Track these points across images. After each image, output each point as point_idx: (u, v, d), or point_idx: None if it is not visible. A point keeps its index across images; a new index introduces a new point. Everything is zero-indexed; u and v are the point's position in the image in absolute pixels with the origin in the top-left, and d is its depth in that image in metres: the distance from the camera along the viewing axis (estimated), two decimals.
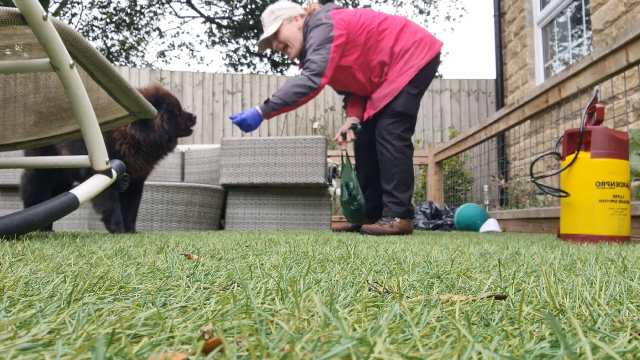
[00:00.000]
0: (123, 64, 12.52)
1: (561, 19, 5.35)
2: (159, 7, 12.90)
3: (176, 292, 0.61)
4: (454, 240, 2.08)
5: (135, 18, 12.67)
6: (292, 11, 3.03)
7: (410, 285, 0.72)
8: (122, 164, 1.96)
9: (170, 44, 15.12)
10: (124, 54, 12.65)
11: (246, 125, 2.82)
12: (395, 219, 2.83)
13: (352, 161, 3.63)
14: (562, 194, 2.17)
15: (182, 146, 5.21)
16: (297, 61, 3.13)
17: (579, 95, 2.86)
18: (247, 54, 13.17)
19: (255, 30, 12.42)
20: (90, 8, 13.47)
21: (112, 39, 12.69)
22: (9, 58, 1.72)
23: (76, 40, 1.63)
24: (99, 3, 12.29)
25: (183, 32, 23.91)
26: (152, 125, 2.48)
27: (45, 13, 1.44)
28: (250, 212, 4.03)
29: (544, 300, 0.59)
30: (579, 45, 5.04)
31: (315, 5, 3.07)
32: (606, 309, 0.54)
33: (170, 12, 13.83)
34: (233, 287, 0.67)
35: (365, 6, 12.33)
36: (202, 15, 13.08)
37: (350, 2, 12.15)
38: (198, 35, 23.29)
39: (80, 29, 12.39)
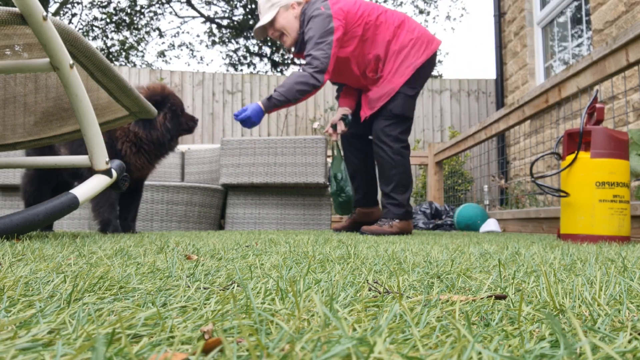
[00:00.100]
0: (123, 64, 12.53)
1: (561, 19, 5.35)
2: (159, 7, 12.91)
3: (176, 292, 0.61)
4: (454, 240, 2.08)
5: (135, 18, 12.67)
6: None
7: (410, 285, 0.72)
8: (122, 164, 1.96)
9: (170, 44, 15.12)
10: (124, 54, 12.65)
11: (250, 122, 2.80)
12: (395, 220, 2.83)
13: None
14: (562, 194, 2.17)
15: (182, 146, 5.21)
16: (292, 49, 3.07)
17: (579, 95, 2.86)
18: (247, 54, 13.17)
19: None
20: (90, 8, 13.48)
21: (112, 39, 12.69)
22: (9, 58, 1.72)
23: (76, 40, 1.63)
24: (99, 3, 12.29)
25: (183, 32, 23.92)
26: (155, 123, 2.49)
27: (45, 13, 1.44)
28: (250, 212, 4.03)
29: (544, 300, 0.59)
30: (579, 45, 5.04)
31: None
32: (606, 309, 0.54)
33: (170, 12, 13.83)
34: (233, 287, 0.67)
35: None
36: (202, 15, 13.08)
37: None
38: (198, 35, 23.29)
39: (80, 29, 12.39)
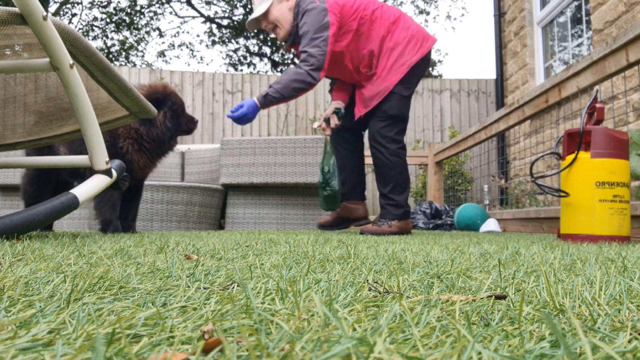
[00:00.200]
0: (123, 64, 12.52)
1: (561, 19, 5.35)
2: (159, 7, 12.91)
3: (176, 292, 0.61)
4: (454, 240, 2.08)
5: (135, 18, 12.67)
6: None
7: (410, 285, 0.72)
8: (122, 163, 1.96)
9: (170, 43, 15.11)
10: (124, 54, 12.65)
11: (246, 119, 2.78)
12: (394, 220, 2.83)
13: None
14: (562, 194, 2.17)
15: (182, 146, 5.21)
16: (285, 42, 3.05)
17: (579, 95, 2.86)
18: (247, 54, 13.17)
19: (255, 30, 12.40)
20: (90, 8, 13.48)
21: (112, 39, 12.69)
22: (9, 58, 1.72)
23: (76, 40, 1.63)
24: (99, 3, 12.29)
25: (183, 32, 23.94)
26: (155, 121, 2.50)
27: (45, 13, 1.44)
28: (250, 212, 4.03)
29: (544, 300, 0.59)
30: (579, 45, 5.04)
31: None
32: (606, 309, 0.54)
33: (170, 12, 13.84)
34: (233, 287, 0.67)
35: None
36: (202, 15, 13.08)
37: None
38: (198, 35, 23.29)
39: (80, 29, 12.39)
